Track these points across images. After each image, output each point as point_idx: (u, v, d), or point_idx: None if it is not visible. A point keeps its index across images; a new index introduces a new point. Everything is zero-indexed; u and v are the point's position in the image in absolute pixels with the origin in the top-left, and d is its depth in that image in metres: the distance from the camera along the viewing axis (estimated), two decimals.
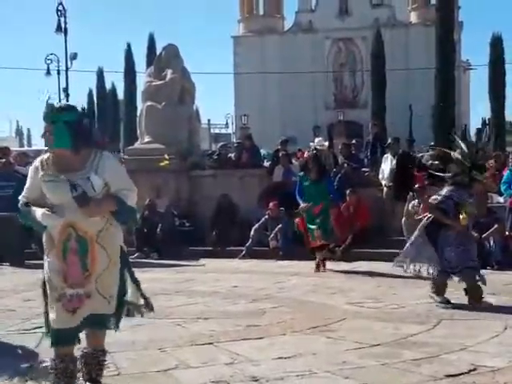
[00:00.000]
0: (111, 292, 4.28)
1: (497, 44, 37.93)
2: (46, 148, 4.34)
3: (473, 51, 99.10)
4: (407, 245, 7.69)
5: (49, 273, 4.21)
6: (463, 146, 7.67)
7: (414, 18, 49.51)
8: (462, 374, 4.78)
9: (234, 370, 4.96)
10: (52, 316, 4.20)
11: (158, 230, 12.93)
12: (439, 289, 7.49)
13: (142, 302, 4.48)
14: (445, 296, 7.46)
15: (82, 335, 4.35)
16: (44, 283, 4.28)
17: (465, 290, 7.43)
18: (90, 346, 4.37)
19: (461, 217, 7.34)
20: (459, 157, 7.58)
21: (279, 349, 5.52)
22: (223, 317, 6.92)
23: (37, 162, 4.30)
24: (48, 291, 4.23)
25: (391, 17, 49.19)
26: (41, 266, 4.39)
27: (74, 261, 4.18)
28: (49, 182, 4.18)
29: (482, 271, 7.69)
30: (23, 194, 4.32)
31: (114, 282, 4.30)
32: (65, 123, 4.15)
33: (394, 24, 48.58)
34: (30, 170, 4.36)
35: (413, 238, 7.66)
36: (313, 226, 10.35)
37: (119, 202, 4.19)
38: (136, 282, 4.45)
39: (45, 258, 4.28)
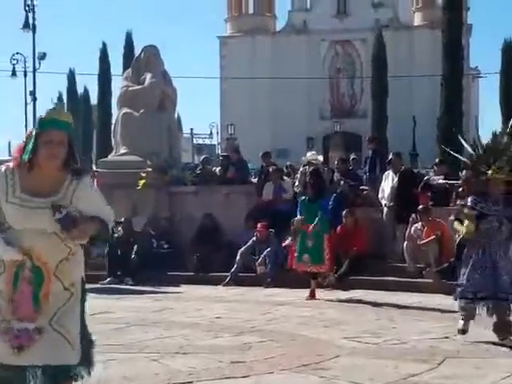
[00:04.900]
0: (72, 331, 3.98)
1: (509, 50, 38.35)
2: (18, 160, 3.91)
3: (483, 58, 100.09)
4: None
5: None
6: (469, 149, 7.59)
7: (418, 19, 50.02)
8: None
9: None
10: None
11: (134, 252, 12.89)
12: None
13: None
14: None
15: None
16: None
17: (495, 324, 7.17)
18: None
19: (464, 225, 7.24)
20: (468, 162, 7.55)
21: None
22: (204, 352, 6.89)
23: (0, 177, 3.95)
24: None
25: (394, 18, 49.71)
26: None
27: (26, 292, 3.95)
28: (16, 205, 3.91)
29: None
30: None
31: (74, 320, 4.02)
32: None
33: (397, 26, 49.09)
34: None
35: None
36: (304, 255, 10.60)
37: (103, 224, 4.01)
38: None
39: None
